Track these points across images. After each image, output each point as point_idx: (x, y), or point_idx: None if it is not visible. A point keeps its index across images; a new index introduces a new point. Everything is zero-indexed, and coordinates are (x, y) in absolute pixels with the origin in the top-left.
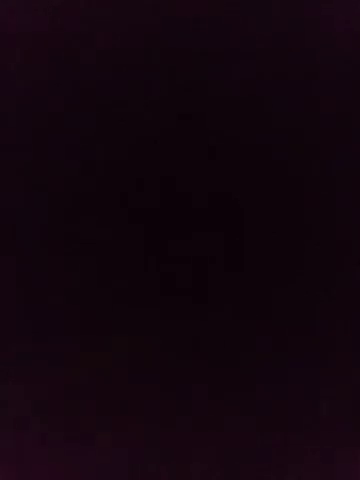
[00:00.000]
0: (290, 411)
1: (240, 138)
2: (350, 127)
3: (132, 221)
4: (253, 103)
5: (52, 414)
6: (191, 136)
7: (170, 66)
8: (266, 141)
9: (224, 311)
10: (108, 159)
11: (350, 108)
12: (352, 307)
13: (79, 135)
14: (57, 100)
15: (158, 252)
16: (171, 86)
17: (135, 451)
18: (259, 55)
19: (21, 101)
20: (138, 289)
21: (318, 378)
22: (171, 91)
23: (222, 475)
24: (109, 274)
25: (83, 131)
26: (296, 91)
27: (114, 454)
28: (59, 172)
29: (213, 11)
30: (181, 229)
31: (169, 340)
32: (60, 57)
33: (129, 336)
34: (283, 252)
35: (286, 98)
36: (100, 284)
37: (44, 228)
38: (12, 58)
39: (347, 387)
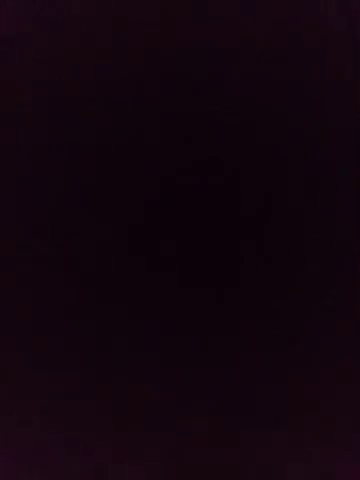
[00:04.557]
0: (290, 411)
1: (240, 138)
2: (350, 127)
3: (132, 221)
4: (253, 103)
5: (52, 415)
6: (191, 136)
7: (170, 66)
8: (266, 141)
9: (224, 311)
10: (108, 159)
11: (350, 108)
12: (352, 307)
13: (79, 135)
14: (57, 100)
15: (156, 252)
16: (171, 86)
17: (135, 451)
18: (259, 55)
19: (21, 101)
20: (138, 289)
21: (318, 378)
22: (171, 91)
23: (221, 475)
24: (109, 274)
25: (83, 131)
26: (296, 91)
27: (114, 454)
28: (58, 172)
29: (213, 11)
30: (180, 230)
31: (169, 340)
32: (60, 57)
33: (129, 336)
34: (283, 252)
35: (286, 98)
36: (99, 284)
37: (44, 228)
38: (12, 58)
39: (348, 387)
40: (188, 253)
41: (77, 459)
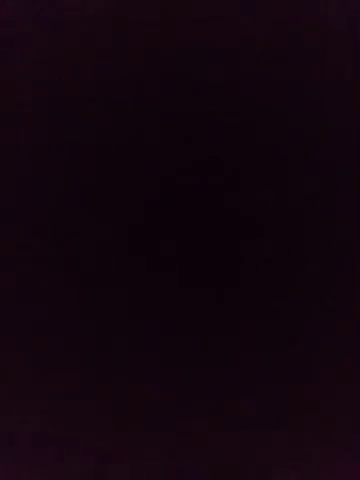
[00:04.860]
0: (290, 411)
1: (240, 138)
2: (350, 127)
3: (132, 221)
4: (253, 103)
5: (52, 415)
6: (191, 136)
7: (170, 66)
8: (266, 141)
9: (224, 311)
10: (108, 159)
11: (350, 108)
12: (352, 307)
13: (79, 135)
14: (57, 100)
15: (156, 252)
16: (171, 86)
17: (135, 451)
18: (259, 55)
19: (21, 101)
20: (138, 289)
21: (318, 378)
22: (171, 91)
23: (221, 475)
24: (109, 274)
25: (83, 131)
26: (296, 91)
27: (114, 455)
28: (58, 172)
29: (213, 11)
30: (180, 230)
31: (169, 340)
32: (60, 57)
33: (129, 336)
34: (283, 252)
35: (286, 98)
36: (99, 284)
37: (44, 228)
38: (12, 58)
39: (348, 387)
40: (188, 253)
41: (77, 459)
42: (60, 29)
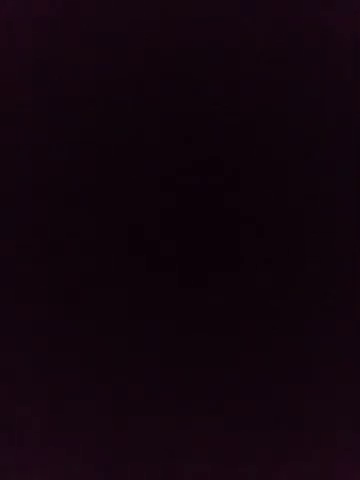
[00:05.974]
0: (290, 411)
1: (240, 138)
2: (350, 127)
3: (132, 221)
4: (253, 103)
5: (52, 415)
6: (191, 136)
7: (170, 66)
8: (266, 141)
9: (224, 311)
10: (108, 159)
11: (350, 108)
12: (352, 307)
13: (79, 135)
14: (57, 100)
15: (156, 252)
16: (171, 86)
17: (135, 451)
18: (259, 55)
19: (21, 101)
20: (138, 289)
21: (318, 378)
22: (171, 91)
23: (222, 475)
24: (109, 274)
25: (83, 131)
26: (296, 91)
27: (114, 454)
28: (58, 172)
29: (213, 11)
30: (180, 230)
31: (169, 340)
32: (60, 57)
33: (129, 336)
34: (283, 252)
35: (286, 98)
36: (100, 284)
37: (44, 228)
38: (12, 58)
39: (348, 387)
40: (188, 253)
41: (77, 459)
42: (60, 29)
